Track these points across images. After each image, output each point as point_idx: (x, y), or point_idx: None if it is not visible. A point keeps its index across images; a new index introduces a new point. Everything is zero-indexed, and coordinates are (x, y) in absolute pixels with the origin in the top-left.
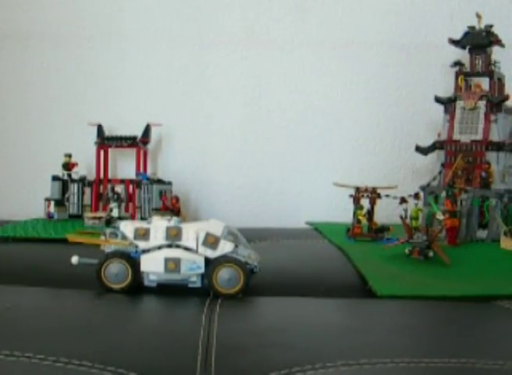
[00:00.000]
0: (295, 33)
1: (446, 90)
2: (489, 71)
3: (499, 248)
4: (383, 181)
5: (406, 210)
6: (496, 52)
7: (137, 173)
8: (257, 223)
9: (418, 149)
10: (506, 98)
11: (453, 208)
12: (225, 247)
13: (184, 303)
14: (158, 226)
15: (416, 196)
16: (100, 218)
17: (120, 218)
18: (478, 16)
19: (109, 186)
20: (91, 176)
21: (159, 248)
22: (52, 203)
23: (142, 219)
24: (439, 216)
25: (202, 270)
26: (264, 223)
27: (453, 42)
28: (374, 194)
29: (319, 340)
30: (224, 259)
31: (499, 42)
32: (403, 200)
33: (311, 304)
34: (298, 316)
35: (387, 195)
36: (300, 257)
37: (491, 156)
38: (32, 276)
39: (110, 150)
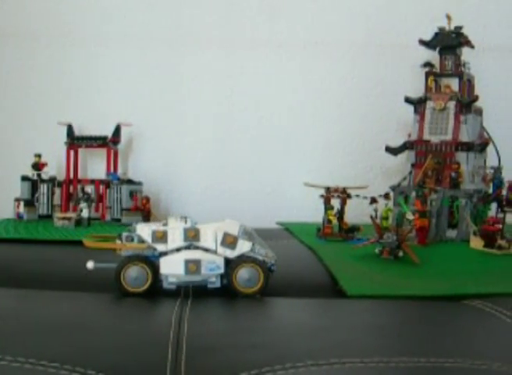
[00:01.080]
0: (266, 32)
1: (417, 90)
2: (459, 72)
3: (468, 247)
4: (354, 181)
5: (376, 210)
6: (465, 53)
7: (108, 173)
8: None
9: (388, 149)
10: (476, 98)
11: (422, 209)
12: (244, 246)
13: (154, 304)
14: (175, 227)
15: (386, 196)
16: (70, 218)
17: (90, 218)
18: (448, 18)
19: (79, 186)
20: (61, 177)
21: (178, 250)
22: (22, 203)
23: (113, 220)
24: (409, 216)
25: (222, 271)
26: None
27: (424, 43)
28: (344, 194)
29: (289, 340)
30: (243, 259)
31: (468, 43)
32: (373, 200)
33: (282, 304)
34: (268, 316)
35: (357, 195)
36: None
37: (460, 157)
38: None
39: (80, 150)
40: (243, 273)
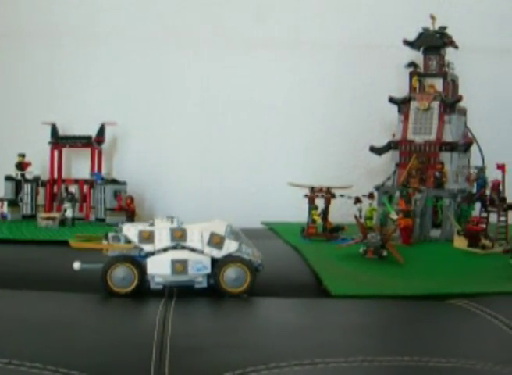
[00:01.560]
0: (251, 33)
1: (401, 90)
2: (443, 72)
3: (452, 247)
4: (338, 181)
5: (360, 210)
6: (449, 54)
7: (92, 173)
8: None
9: (373, 149)
10: (460, 98)
11: (407, 208)
12: (230, 246)
13: (138, 304)
14: (162, 227)
15: (370, 196)
16: (54, 218)
17: (74, 218)
18: (433, 18)
19: (63, 186)
20: (45, 176)
21: (164, 250)
22: (6, 203)
23: (97, 219)
24: (393, 216)
25: (209, 271)
26: None
27: (408, 43)
28: (328, 194)
29: (273, 339)
30: (230, 259)
31: (452, 43)
32: (357, 200)
33: (266, 304)
34: (252, 316)
35: (342, 195)
36: None
37: (444, 156)
38: None
39: (64, 150)
40: (230, 273)
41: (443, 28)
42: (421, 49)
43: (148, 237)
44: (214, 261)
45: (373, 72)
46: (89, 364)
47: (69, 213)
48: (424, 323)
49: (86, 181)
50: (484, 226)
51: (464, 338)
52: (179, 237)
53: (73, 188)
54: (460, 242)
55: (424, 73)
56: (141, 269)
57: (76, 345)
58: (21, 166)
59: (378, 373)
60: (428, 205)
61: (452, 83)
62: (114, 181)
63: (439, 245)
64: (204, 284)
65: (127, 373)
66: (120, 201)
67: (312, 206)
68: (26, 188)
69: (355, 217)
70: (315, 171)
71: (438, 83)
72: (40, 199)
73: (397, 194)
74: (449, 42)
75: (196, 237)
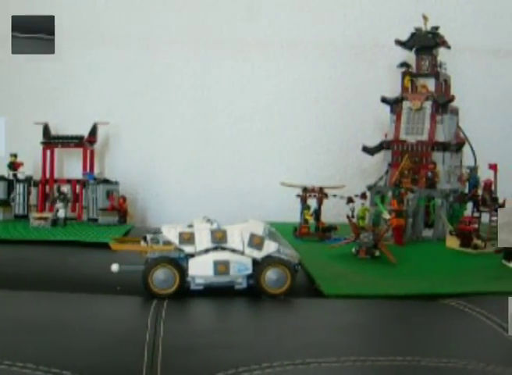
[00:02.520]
0: (243, 32)
1: (393, 90)
2: (435, 72)
3: (444, 247)
4: (330, 181)
5: (353, 210)
6: (442, 54)
7: (84, 173)
8: None
9: (365, 149)
10: (452, 99)
11: (399, 208)
12: (270, 247)
13: (130, 304)
14: (202, 229)
15: (363, 196)
16: (46, 218)
17: (66, 218)
18: (425, 18)
19: (55, 186)
20: (37, 176)
21: (205, 251)
22: None
23: (89, 219)
24: (386, 216)
25: (250, 271)
26: None
27: (400, 43)
28: (321, 194)
29: (265, 339)
30: (271, 260)
31: (445, 43)
32: (349, 200)
33: (258, 304)
34: (245, 316)
35: (334, 195)
36: None
37: (437, 156)
38: None
39: (56, 150)
40: (271, 274)
41: (436, 28)
42: (414, 49)
43: (189, 239)
44: (253, 262)
45: (365, 72)
46: (81, 364)
47: (61, 213)
48: (417, 323)
49: (78, 181)
50: (476, 226)
51: (457, 338)
52: (219, 239)
53: (65, 188)
54: (453, 242)
55: (417, 73)
56: (182, 271)
57: (68, 345)
58: (13, 165)
59: (371, 372)
60: (420, 205)
61: (444, 84)
62: (106, 181)
63: (431, 245)
64: (244, 285)
65: (119, 373)
66: (112, 201)
67: (305, 206)
68: (19, 188)
69: (347, 217)
70: (308, 171)
71: (430, 84)
72: (33, 199)
73: (390, 194)
74: (441, 42)
75: (236, 238)
